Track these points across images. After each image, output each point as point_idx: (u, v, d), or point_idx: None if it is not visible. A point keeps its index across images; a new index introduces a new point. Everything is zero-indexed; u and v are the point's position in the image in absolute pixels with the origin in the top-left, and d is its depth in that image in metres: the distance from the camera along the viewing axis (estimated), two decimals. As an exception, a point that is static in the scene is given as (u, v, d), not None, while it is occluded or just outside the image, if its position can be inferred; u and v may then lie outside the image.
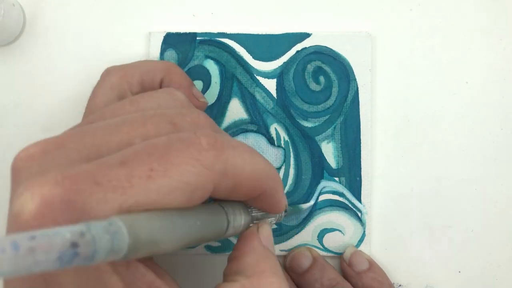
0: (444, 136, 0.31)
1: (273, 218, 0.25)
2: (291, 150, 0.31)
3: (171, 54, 0.30)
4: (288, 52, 0.31)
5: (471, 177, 0.31)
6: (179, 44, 0.30)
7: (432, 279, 0.31)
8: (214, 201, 0.22)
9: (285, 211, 0.26)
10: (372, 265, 0.30)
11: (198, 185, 0.18)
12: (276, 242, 0.31)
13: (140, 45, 0.31)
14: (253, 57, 0.31)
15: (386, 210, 0.31)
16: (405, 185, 0.31)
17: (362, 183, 0.30)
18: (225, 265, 0.31)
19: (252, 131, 0.31)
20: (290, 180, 0.31)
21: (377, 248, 0.31)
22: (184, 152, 0.18)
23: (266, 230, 0.23)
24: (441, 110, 0.31)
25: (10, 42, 0.31)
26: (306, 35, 0.30)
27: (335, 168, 0.31)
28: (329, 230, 0.31)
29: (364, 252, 0.30)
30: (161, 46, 0.30)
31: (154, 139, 0.19)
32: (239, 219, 0.22)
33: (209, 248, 0.31)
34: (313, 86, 0.31)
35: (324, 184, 0.31)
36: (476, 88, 0.31)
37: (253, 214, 0.24)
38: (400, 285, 0.31)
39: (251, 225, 0.23)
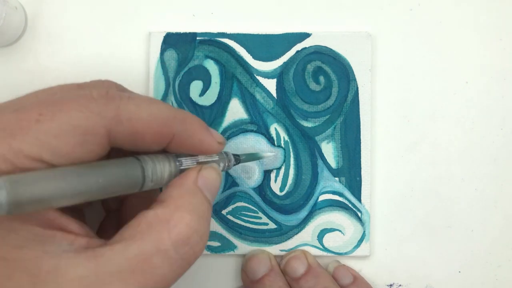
0: (444, 136, 0.31)
1: (218, 162, 0.25)
2: (291, 150, 0.31)
3: (171, 54, 0.30)
4: (288, 52, 0.31)
5: (471, 177, 0.31)
6: (179, 44, 0.30)
7: (432, 279, 0.31)
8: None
9: (237, 158, 0.26)
10: (357, 279, 0.30)
11: (87, 129, 0.20)
12: (275, 242, 0.31)
13: (140, 45, 0.31)
14: (253, 57, 0.31)
15: (386, 210, 0.31)
16: (405, 185, 0.31)
17: (362, 183, 0.30)
18: (225, 265, 0.31)
19: (252, 131, 0.31)
20: (290, 180, 0.31)
21: (377, 248, 0.31)
22: (73, 101, 0.20)
23: (208, 173, 0.23)
24: (441, 110, 0.31)
25: (12, 43, 0.31)
26: (306, 35, 0.30)
27: (335, 168, 0.31)
28: (329, 230, 0.31)
29: (349, 267, 0.30)
30: (161, 46, 0.30)
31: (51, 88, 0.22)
32: (161, 170, 0.22)
33: (209, 248, 0.31)
34: (313, 86, 0.31)
35: (324, 184, 0.31)
36: (476, 88, 0.31)
37: (197, 161, 0.24)
38: (400, 285, 0.31)
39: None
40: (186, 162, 0.24)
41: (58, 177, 0.19)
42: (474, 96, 0.31)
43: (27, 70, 0.31)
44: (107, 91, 0.21)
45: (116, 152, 0.23)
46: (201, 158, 0.24)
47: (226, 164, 0.26)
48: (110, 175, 0.20)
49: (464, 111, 0.31)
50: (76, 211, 0.24)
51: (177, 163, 0.23)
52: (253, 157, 0.29)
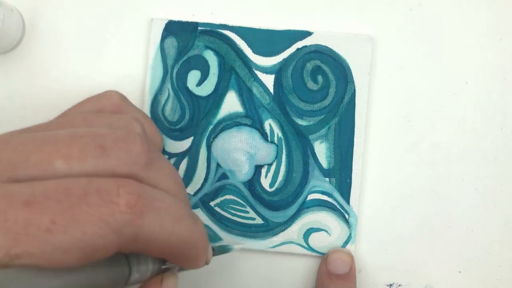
0: (444, 136, 0.31)
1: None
2: (283, 147, 0.31)
3: (171, 41, 0.30)
4: (289, 49, 0.30)
5: (471, 177, 0.31)
6: (180, 32, 0.30)
7: (432, 279, 0.31)
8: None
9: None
10: (350, 275, 0.30)
11: (99, 247, 0.17)
12: (261, 238, 0.31)
13: (141, 31, 0.31)
14: (253, 51, 0.30)
15: (386, 210, 0.31)
16: (405, 185, 0.31)
17: (352, 185, 0.30)
18: (216, 266, 0.31)
19: (246, 125, 0.31)
20: (280, 177, 0.31)
21: (377, 248, 0.31)
22: (95, 209, 0.17)
23: (169, 281, 0.22)
24: (441, 110, 0.31)
25: (11, 49, 0.31)
26: (308, 33, 0.30)
27: (326, 168, 0.31)
28: (316, 230, 0.31)
29: (350, 256, 0.30)
30: (162, 33, 0.30)
31: (71, 180, 0.17)
32: (146, 268, 0.21)
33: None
34: (311, 85, 0.31)
35: (314, 183, 0.31)
36: (476, 88, 0.31)
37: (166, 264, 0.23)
38: (400, 285, 0.31)
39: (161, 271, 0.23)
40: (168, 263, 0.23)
41: (45, 276, 0.17)
42: (474, 96, 0.31)
43: (28, 76, 0.31)
44: (137, 198, 0.18)
45: None
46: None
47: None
48: (97, 273, 0.19)
49: (464, 111, 0.31)
50: None
51: (161, 266, 0.22)
52: (224, 249, 0.28)
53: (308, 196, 0.31)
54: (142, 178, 0.19)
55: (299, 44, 0.30)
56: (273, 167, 0.31)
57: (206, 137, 0.31)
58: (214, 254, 0.27)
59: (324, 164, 0.31)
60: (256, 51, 0.31)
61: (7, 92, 0.31)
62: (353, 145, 0.30)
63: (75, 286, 0.18)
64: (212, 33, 0.30)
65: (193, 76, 0.31)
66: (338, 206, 0.31)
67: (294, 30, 0.30)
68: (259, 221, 0.31)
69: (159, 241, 0.19)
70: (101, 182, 0.18)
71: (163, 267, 0.23)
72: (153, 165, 0.20)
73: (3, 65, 0.31)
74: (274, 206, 0.31)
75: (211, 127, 0.31)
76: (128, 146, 0.19)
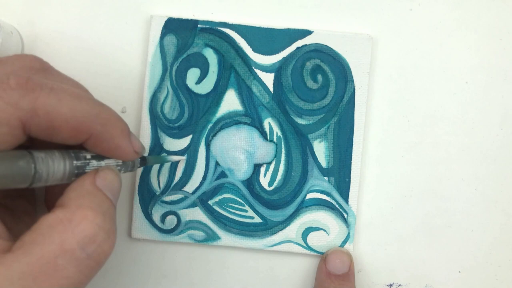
0: (444, 136, 0.31)
1: (119, 165, 0.25)
2: (283, 146, 0.31)
3: (171, 39, 0.30)
4: (288, 48, 0.30)
5: (471, 177, 0.31)
6: (180, 30, 0.30)
7: (432, 279, 0.31)
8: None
9: (143, 161, 0.26)
10: (349, 275, 0.30)
11: (1, 121, 0.19)
12: (259, 237, 0.30)
13: (141, 28, 0.31)
14: (252, 50, 0.30)
15: (386, 210, 0.31)
16: (405, 185, 0.31)
17: (351, 185, 0.30)
18: (208, 256, 0.31)
19: (245, 123, 0.31)
20: (279, 176, 0.31)
21: (377, 248, 0.31)
22: None
23: (106, 174, 0.23)
24: (441, 110, 0.31)
25: None
26: (308, 32, 0.30)
27: (325, 167, 0.30)
28: (314, 229, 0.31)
29: (349, 256, 0.30)
30: (162, 31, 0.30)
31: None
32: (58, 167, 0.22)
33: (193, 238, 0.30)
34: (310, 84, 0.31)
35: (313, 182, 0.31)
36: (476, 88, 0.31)
37: (98, 162, 0.23)
38: (400, 285, 0.31)
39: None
40: (86, 158, 0.23)
41: None
42: (474, 96, 0.31)
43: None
44: (28, 78, 0.20)
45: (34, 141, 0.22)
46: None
47: (130, 164, 0.25)
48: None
49: (464, 111, 0.31)
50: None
51: (75, 162, 0.22)
52: (160, 160, 0.29)
53: (307, 195, 0.30)
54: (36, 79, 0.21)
55: (299, 43, 0.30)
56: (272, 166, 0.31)
57: (205, 136, 0.30)
58: (149, 163, 0.27)
59: (323, 163, 0.30)
60: (256, 50, 0.30)
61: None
62: (352, 144, 0.30)
63: None
64: (212, 31, 0.30)
65: (193, 74, 0.30)
66: (337, 205, 0.30)
67: (294, 29, 0.30)
68: (257, 220, 0.31)
69: (62, 114, 0.21)
70: None
71: (75, 162, 0.22)
72: (47, 71, 0.23)
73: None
74: (273, 205, 0.31)
75: (210, 125, 0.30)
76: (23, 61, 0.22)
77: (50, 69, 0.24)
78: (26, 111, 0.20)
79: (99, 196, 0.22)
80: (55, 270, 0.19)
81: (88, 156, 0.23)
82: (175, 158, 0.30)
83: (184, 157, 0.30)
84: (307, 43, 0.30)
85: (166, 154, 0.30)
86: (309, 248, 0.31)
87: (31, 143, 0.23)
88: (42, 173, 0.21)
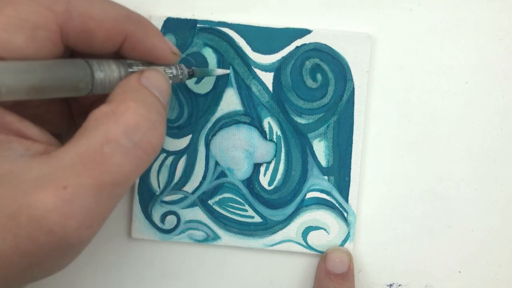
0: (444, 136, 0.31)
1: (168, 70, 0.25)
2: (282, 145, 0.31)
3: (170, 39, 0.30)
4: (288, 47, 0.30)
5: (471, 177, 0.31)
6: (179, 29, 0.30)
7: (432, 279, 0.31)
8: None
9: (191, 71, 0.27)
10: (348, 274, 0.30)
11: (38, 24, 0.20)
12: (260, 236, 0.31)
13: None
14: (252, 49, 0.30)
15: (386, 209, 0.31)
16: (405, 185, 0.31)
17: (351, 183, 0.30)
18: (208, 256, 0.31)
19: (245, 123, 0.31)
20: (279, 175, 0.31)
21: (377, 248, 0.31)
22: None
23: (151, 73, 0.23)
24: (441, 110, 0.31)
25: None
26: (307, 31, 0.30)
27: (325, 166, 0.30)
28: (314, 228, 0.31)
29: (348, 255, 0.30)
30: (161, 30, 0.30)
31: None
32: (112, 73, 0.22)
33: (193, 238, 0.30)
34: (310, 83, 0.31)
35: (313, 181, 0.31)
36: (476, 88, 0.31)
37: (139, 67, 0.24)
38: (400, 285, 0.31)
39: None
40: (138, 67, 0.24)
41: (4, 69, 0.19)
42: (474, 96, 0.31)
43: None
44: None
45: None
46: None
47: (179, 73, 0.26)
48: (59, 71, 0.20)
49: (464, 111, 0.31)
50: (40, 119, 0.24)
51: (128, 69, 0.23)
52: (207, 72, 0.29)
53: (307, 194, 0.31)
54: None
55: (298, 42, 0.30)
56: (272, 165, 0.31)
57: (204, 135, 0.30)
58: (197, 74, 0.28)
59: (323, 162, 0.30)
60: (255, 49, 0.30)
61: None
62: (351, 143, 0.30)
63: (37, 79, 0.19)
64: (211, 31, 0.30)
65: (192, 74, 0.30)
66: (337, 205, 0.31)
67: (293, 28, 0.30)
68: (257, 219, 0.31)
69: (95, 14, 0.21)
70: None
71: (130, 70, 0.23)
72: None
73: None
74: (272, 205, 0.31)
75: (209, 125, 0.30)
76: None
77: None
78: (61, 14, 0.20)
79: (143, 91, 0.22)
80: (103, 158, 0.20)
81: (140, 65, 0.24)
82: (219, 71, 0.30)
83: (229, 71, 0.30)
84: (306, 42, 0.30)
85: (210, 68, 0.30)
86: (309, 247, 0.31)
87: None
88: (101, 79, 0.22)
